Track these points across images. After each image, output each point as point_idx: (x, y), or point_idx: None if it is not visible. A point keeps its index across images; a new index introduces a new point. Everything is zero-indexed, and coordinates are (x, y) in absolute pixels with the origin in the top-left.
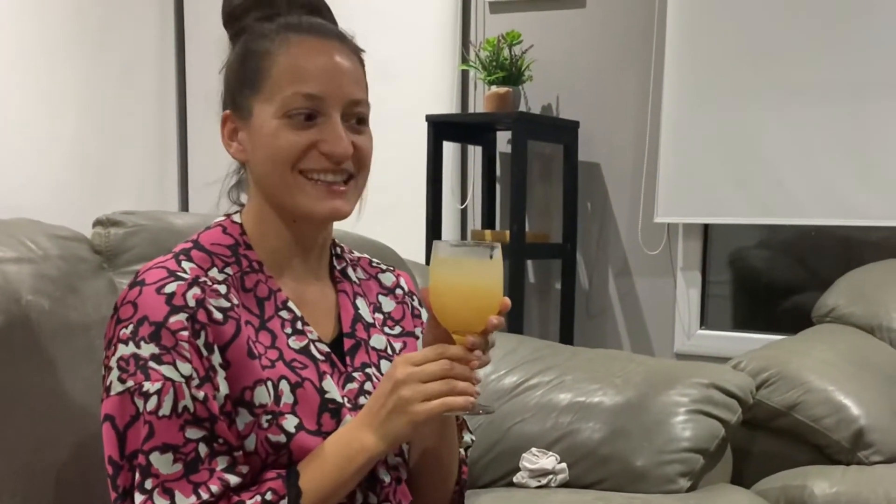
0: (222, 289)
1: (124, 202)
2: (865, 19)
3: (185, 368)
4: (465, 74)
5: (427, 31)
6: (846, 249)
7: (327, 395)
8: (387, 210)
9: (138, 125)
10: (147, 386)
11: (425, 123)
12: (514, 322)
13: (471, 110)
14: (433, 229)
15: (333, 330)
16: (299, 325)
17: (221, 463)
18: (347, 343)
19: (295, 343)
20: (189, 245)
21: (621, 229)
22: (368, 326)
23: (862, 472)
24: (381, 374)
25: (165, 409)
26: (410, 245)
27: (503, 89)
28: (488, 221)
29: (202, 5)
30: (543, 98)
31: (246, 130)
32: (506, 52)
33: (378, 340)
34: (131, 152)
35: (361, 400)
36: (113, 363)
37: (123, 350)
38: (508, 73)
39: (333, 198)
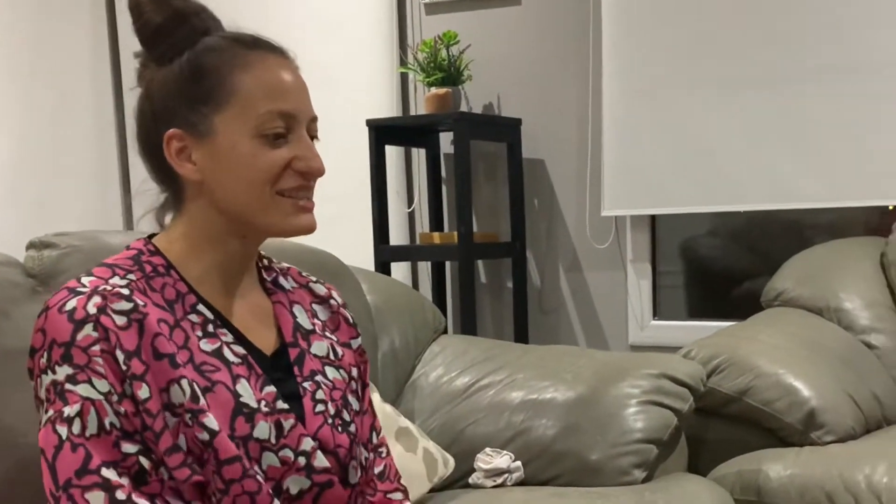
0: (124, 291)
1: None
2: (801, 7)
3: (102, 385)
4: (404, 77)
5: (363, 36)
6: (795, 233)
7: (241, 399)
8: (333, 218)
9: (77, 156)
10: (67, 410)
11: (366, 128)
12: (467, 323)
13: (412, 112)
14: (380, 234)
15: (275, 341)
16: (211, 328)
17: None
18: (293, 352)
19: (206, 346)
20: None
21: (569, 225)
22: (309, 334)
23: (815, 452)
24: (329, 381)
25: (92, 429)
26: (357, 252)
27: (443, 90)
28: (436, 224)
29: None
30: (484, 97)
31: (204, 149)
32: (443, 53)
33: (319, 347)
34: (71, 183)
35: (319, 408)
36: (42, 395)
37: (45, 380)
38: (447, 73)
39: (306, 214)
